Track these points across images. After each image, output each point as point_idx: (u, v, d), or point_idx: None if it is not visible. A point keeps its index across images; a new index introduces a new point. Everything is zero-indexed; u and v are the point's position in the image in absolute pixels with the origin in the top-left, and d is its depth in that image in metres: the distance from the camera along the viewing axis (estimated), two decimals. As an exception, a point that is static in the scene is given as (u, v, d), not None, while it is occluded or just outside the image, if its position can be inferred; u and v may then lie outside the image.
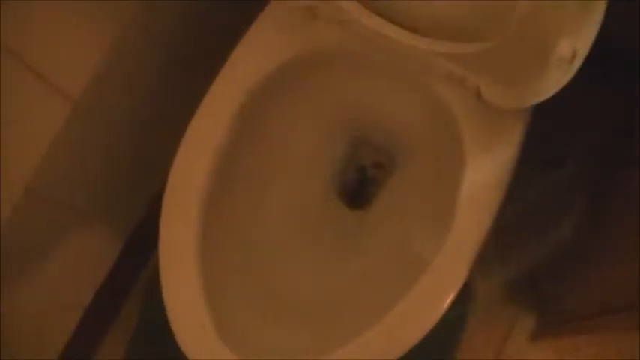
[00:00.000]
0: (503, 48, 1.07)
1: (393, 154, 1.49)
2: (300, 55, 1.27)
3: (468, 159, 1.19)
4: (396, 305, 1.15)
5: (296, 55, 1.26)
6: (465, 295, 1.65)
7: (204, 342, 1.14)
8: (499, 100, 1.16)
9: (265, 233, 1.39)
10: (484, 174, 1.19)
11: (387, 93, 1.37)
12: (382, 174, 1.49)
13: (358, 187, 1.50)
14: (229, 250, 1.30)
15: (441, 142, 1.31)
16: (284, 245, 1.40)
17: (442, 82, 1.22)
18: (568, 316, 1.44)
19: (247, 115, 1.26)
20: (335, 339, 1.16)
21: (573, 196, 1.72)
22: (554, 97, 1.10)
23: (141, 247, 1.64)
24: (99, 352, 1.69)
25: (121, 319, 1.71)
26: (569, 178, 1.72)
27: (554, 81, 1.07)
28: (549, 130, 1.52)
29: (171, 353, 1.15)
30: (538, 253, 1.69)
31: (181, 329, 1.14)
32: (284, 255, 1.40)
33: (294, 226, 1.43)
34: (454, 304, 1.44)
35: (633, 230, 1.27)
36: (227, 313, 1.19)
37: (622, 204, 1.45)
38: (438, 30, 1.18)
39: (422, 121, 1.36)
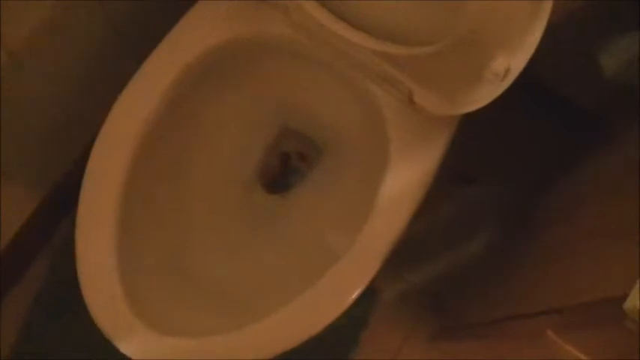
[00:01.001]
0: (441, 54, 1.09)
1: (319, 147, 1.50)
2: (241, 38, 1.27)
3: (392, 161, 1.21)
4: (303, 294, 1.16)
5: (237, 37, 1.26)
6: (369, 296, 1.67)
7: (115, 312, 1.14)
8: (430, 107, 1.17)
9: (185, 212, 1.40)
10: (405, 177, 1.21)
11: (323, 88, 1.39)
12: (305, 165, 1.51)
13: (279, 173, 1.51)
14: (148, 225, 1.31)
15: (368, 141, 1.33)
16: (201, 226, 1.41)
17: (377, 83, 1.23)
18: (468, 322, 1.47)
19: (182, 90, 1.26)
20: (242, 323, 1.16)
21: (485, 213, 1.75)
22: (485, 114, 1.11)
23: (56, 208, 1.62)
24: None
25: (27, 280, 1.69)
26: (483, 196, 1.76)
27: (484, 94, 1.09)
28: (471, 145, 1.55)
29: (74, 317, 1.15)
30: (445, 267, 1.73)
31: (92, 297, 1.14)
32: (200, 236, 1.40)
33: (212, 207, 1.44)
34: (358, 302, 1.46)
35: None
36: (140, 287, 1.19)
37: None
38: (380, 29, 1.19)
39: (353, 118, 1.38)
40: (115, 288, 1.15)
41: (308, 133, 1.50)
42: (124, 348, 1.13)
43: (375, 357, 1.69)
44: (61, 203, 1.59)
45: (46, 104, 1.41)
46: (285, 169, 1.51)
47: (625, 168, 1.16)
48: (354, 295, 1.17)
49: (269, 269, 1.39)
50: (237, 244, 1.43)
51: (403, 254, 1.69)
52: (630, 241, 0.89)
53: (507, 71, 1.04)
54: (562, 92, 1.66)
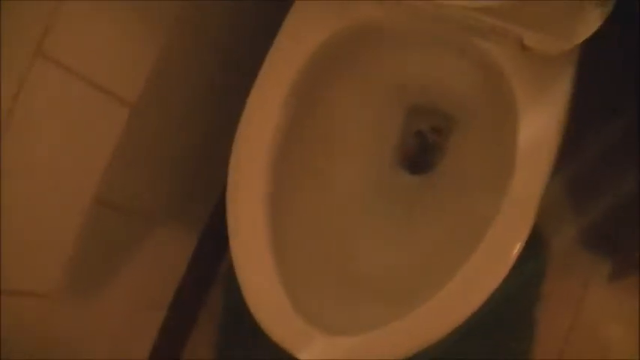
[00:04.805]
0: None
1: (449, 117, 1.50)
2: (345, 30, 1.28)
3: (521, 111, 1.20)
4: (464, 264, 1.16)
5: (341, 30, 1.28)
6: (538, 249, 1.65)
7: (286, 323, 1.16)
8: (542, 47, 1.16)
9: (334, 211, 1.42)
10: (539, 124, 1.20)
11: (436, 59, 1.39)
12: (441, 138, 1.51)
13: (419, 152, 1.51)
14: (300, 230, 1.33)
15: (493, 99, 1.31)
16: (353, 220, 1.43)
17: (487, 40, 1.23)
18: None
19: (301, 94, 1.28)
20: (411, 305, 1.17)
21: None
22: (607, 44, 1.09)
23: (215, 241, 1.66)
24: (187, 349, 1.73)
25: (206, 314, 1.75)
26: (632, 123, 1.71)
27: (592, 20, 1.07)
28: (604, 77, 1.52)
29: (259, 341, 1.17)
30: (608, 205, 1.69)
31: (260, 311, 1.17)
32: (354, 230, 1.42)
33: (362, 200, 1.45)
34: (529, 258, 1.45)
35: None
36: (304, 292, 1.21)
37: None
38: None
39: (474, 81, 1.37)
40: (281, 299, 1.17)
41: (435, 106, 1.50)
42: (304, 357, 1.15)
43: (559, 309, 1.67)
44: (219, 231, 1.63)
45: (177, 143, 1.45)
46: (422, 146, 1.51)
47: None
48: (516, 251, 1.16)
49: (427, 248, 1.39)
50: (392, 230, 1.43)
51: (566, 199, 1.69)
52: None
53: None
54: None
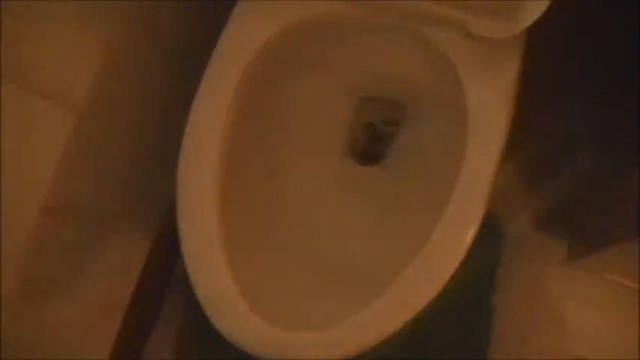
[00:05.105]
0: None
1: (401, 106, 1.50)
2: (291, 27, 1.28)
3: (469, 97, 1.21)
4: (421, 250, 1.16)
5: (286, 27, 1.27)
6: (493, 234, 1.67)
7: (239, 319, 1.15)
8: (488, 33, 1.17)
9: (288, 206, 1.41)
10: (487, 109, 1.21)
11: (384, 50, 1.39)
12: (393, 128, 1.51)
13: (370, 144, 1.51)
14: (253, 227, 1.32)
15: (442, 86, 1.32)
16: (308, 215, 1.43)
17: (431, 27, 1.24)
18: (594, 236, 1.46)
19: (249, 92, 1.27)
20: (369, 296, 1.16)
21: (586, 122, 1.73)
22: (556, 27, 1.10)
23: (170, 242, 1.65)
24: (148, 351, 1.72)
25: (167, 315, 1.74)
26: (581, 106, 1.73)
27: (537, 4, 1.08)
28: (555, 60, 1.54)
29: (220, 341, 1.17)
30: (562, 183, 1.71)
31: (215, 312, 1.15)
32: (309, 224, 1.42)
33: (316, 194, 1.45)
34: (485, 244, 1.46)
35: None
36: (257, 289, 1.20)
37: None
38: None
39: (423, 69, 1.38)
40: (236, 298, 1.15)
41: (386, 96, 1.50)
42: (263, 356, 1.14)
43: (517, 293, 1.68)
44: (174, 231, 1.62)
45: (127, 146, 1.44)
46: (373, 137, 1.52)
47: None
48: (469, 236, 1.16)
49: (381, 239, 1.38)
50: (347, 223, 1.43)
51: (520, 183, 1.71)
52: None
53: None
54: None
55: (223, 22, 1.28)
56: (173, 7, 1.41)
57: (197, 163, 1.22)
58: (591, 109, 1.72)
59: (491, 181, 1.19)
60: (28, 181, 1.17)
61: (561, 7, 1.10)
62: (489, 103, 1.21)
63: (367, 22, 1.29)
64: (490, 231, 1.66)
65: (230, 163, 1.23)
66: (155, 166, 1.53)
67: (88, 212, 1.40)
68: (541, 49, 1.26)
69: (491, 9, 1.16)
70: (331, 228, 1.42)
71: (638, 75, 1.51)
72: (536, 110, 1.67)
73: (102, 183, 1.38)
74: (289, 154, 1.43)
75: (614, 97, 1.65)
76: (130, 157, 1.46)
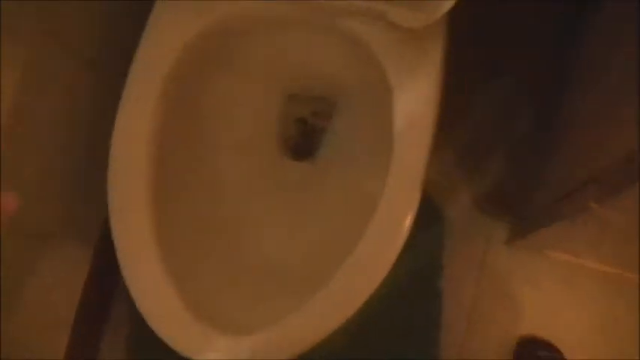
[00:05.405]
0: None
1: (330, 100, 1.50)
2: (210, 28, 1.27)
3: (394, 86, 1.21)
4: (360, 241, 1.16)
5: (205, 28, 1.27)
6: (434, 220, 1.68)
7: (180, 326, 1.14)
8: (407, 22, 1.18)
9: (223, 208, 1.41)
10: (413, 96, 1.21)
11: (308, 44, 1.39)
12: (323, 121, 1.51)
13: (302, 139, 1.51)
14: (189, 232, 1.31)
15: (367, 77, 1.32)
16: (244, 215, 1.41)
17: (352, 19, 1.24)
18: (533, 213, 1.47)
19: (174, 96, 1.26)
20: (312, 292, 1.16)
21: (518, 99, 1.75)
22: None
23: (110, 252, 1.64)
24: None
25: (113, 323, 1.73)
26: (511, 83, 1.75)
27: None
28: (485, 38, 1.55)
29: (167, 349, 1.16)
30: (496, 166, 1.73)
31: (156, 321, 1.15)
32: (246, 224, 1.41)
33: (250, 193, 1.44)
34: (426, 230, 1.47)
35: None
36: (196, 294, 1.19)
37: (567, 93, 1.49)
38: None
39: (346, 61, 1.38)
40: (176, 304, 1.15)
41: (315, 90, 1.50)
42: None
43: (462, 275, 1.70)
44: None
45: (56, 159, 1.42)
46: (304, 132, 1.52)
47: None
48: (407, 223, 1.16)
49: (319, 233, 1.38)
50: (284, 220, 1.43)
51: (458, 167, 1.72)
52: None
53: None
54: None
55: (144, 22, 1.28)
56: (90, 10, 1.40)
57: (126, 172, 1.20)
58: (524, 85, 1.74)
59: (424, 167, 1.19)
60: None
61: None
62: (416, 91, 1.21)
63: (289, 19, 1.29)
64: (431, 217, 1.68)
65: (160, 169, 1.22)
66: (91, 176, 1.52)
67: (27, 229, 1.38)
68: (467, 29, 1.27)
69: (407, -1, 1.17)
70: (268, 227, 1.41)
71: (567, 48, 1.54)
72: (469, 90, 1.69)
73: (38, 199, 1.37)
74: (222, 156, 1.42)
75: (545, 73, 1.68)
76: (63, 170, 1.44)
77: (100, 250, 1.63)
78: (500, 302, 1.70)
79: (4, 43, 1.16)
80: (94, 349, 1.70)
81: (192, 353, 1.12)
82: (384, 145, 1.22)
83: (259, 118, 1.49)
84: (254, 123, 1.48)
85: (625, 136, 0.90)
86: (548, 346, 1.65)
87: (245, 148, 1.46)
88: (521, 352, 1.66)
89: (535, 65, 1.72)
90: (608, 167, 0.97)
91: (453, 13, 1.17)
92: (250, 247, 1.38)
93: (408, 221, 1.17)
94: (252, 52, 1.39)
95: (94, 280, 1.63)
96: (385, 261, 1.16)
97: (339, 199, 1.40)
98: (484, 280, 1.69)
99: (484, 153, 1.74)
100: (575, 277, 1.67)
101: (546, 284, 1.68)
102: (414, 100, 1.21)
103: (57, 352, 1.58)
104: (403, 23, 1.18)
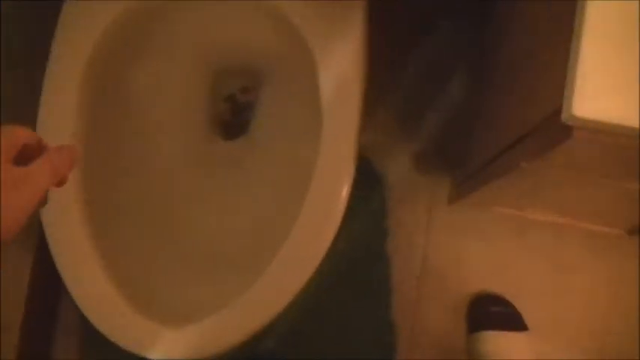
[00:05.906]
0: None
1: (257, 75, 1.48)
2: (126, 13, 1.25)
3: (317, 56, 1.20)
4: (299, 215, 1.16)
5: (121, 14, 1.25)
6: (375, 186, 1.67)
7: (123, 322, 1.14)
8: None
9: (157, 194, 1.38)
10: (337, 65, 1.20)
11: (230, 19, 1.38)
12: (252, 96, 1.49)
13: (233, 117, 1.50)
14: (124, 223, 1.30)
15: (291, 50, 1.30)
16: (179, 200, 1.40)
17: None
18: (473, 171, 1.47)
19: (97, 86, 1.25)
20: (257, 272, 1.16)
21: (452, 55, 1.75)
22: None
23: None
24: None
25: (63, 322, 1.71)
26: (443, 40, 1.75)
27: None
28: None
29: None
30: (437, 120, 1.72)
31: (99, 320, 1.15)
32: (181, 209, 1.39)
33: (184, 176, 1.42)
34: (368, 197, 1.46)
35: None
36: (137, 288, 1.19)
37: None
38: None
39: (269, 35, 1.36)
40: (116, 301, 1.14)
41: (242, 66, 1.48)
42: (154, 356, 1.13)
43: (408, 238, 1.70)
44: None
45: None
46: (234, 110, 1.50)
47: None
48: (344, 192, 1.17)
49: (258, 211, 1.37)
50: (222, 201, 1.41)
51: (395, 130, 1.71)
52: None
53: None
54: None
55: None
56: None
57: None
58: (457, 39, 1.73)
59: (356, 134, 1.19)
60: None
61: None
62: (340, 61, 1.20)
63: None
64: (372, 182, 1.67)
65: (87, 156, 1.18)
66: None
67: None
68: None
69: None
70: (201, 210, 1.39)
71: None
72: (398, 49, 1.68)
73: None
74: (151, 139, 1.40)
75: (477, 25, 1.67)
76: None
77: (43, 248, 1.60)
78: (450, 261, 1.70)
79: None
80: (45, 348, 1.68)
81: (141, 350, 1.12)
82: (314, 113, 1.21)
83: (189, 98, 1.46)
84: (184, 103, 1.45)
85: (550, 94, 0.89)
86: (500, 301, 1.65)
87: (175, 130, 1.44)
88: (474, 310, 1.66)
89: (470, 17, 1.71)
90: (536, 125, 0.96)
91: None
92: (184, 232, 1.36)
93: (344, 191, 1.17)
94: (175, 32, 1.37)
95: (40, 279, 1.60)
96: (326, 233, 1.16)
97: (274, 174, 1.39)
98: (431, 240, 1.69)
99: (420, 109, 1.73)
100: (522, 229, 1.68)
101: (493, 239, 1.68)
102: (340, 68, 1.20)
103: (7, 357, 1.56)
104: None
